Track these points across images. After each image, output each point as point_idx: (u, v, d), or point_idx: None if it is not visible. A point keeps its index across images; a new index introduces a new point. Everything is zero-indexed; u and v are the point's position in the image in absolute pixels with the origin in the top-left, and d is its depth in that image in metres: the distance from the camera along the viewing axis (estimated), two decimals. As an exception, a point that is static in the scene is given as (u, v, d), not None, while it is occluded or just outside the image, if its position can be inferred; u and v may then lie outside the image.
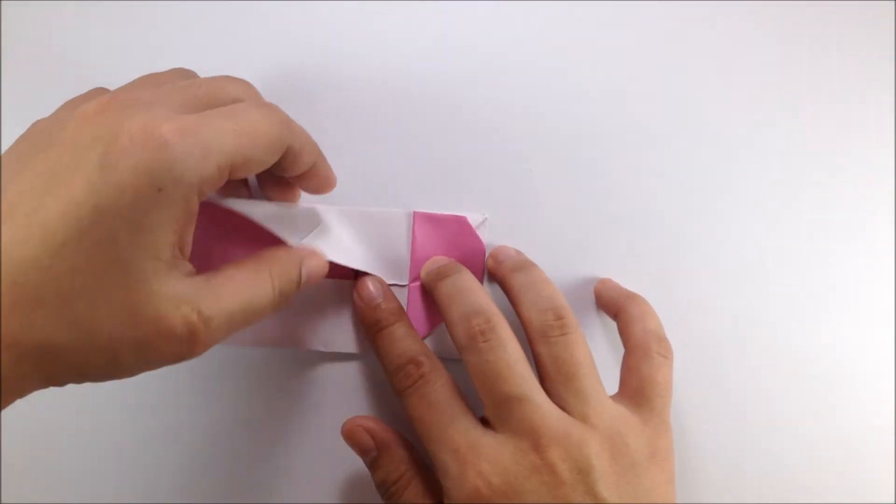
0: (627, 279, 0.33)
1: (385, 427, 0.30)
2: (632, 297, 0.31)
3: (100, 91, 0.26)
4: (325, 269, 0.29)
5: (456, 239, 0.33)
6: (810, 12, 0.34)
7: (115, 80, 0.26)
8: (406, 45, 0.34)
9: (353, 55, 0.34)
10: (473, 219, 0.33)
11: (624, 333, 0.30)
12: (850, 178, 0.33)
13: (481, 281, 0.33)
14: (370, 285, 0.31)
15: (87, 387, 0.31)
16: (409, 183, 0.33)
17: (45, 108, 0.31)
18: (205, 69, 0.28)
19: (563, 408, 0.26)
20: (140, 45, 0.26)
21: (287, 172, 0.26)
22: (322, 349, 0.33)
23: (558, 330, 0.27)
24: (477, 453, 0.25)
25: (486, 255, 0.33)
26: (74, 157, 0.20)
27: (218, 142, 0.21)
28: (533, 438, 0.25)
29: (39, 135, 0.23)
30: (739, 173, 0.33)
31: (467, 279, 0.30)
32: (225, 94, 0.24)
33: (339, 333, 0.33)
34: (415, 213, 0.33)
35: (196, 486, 0.33)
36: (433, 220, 0.33)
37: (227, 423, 0.33)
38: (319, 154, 0.27)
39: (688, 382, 0.31)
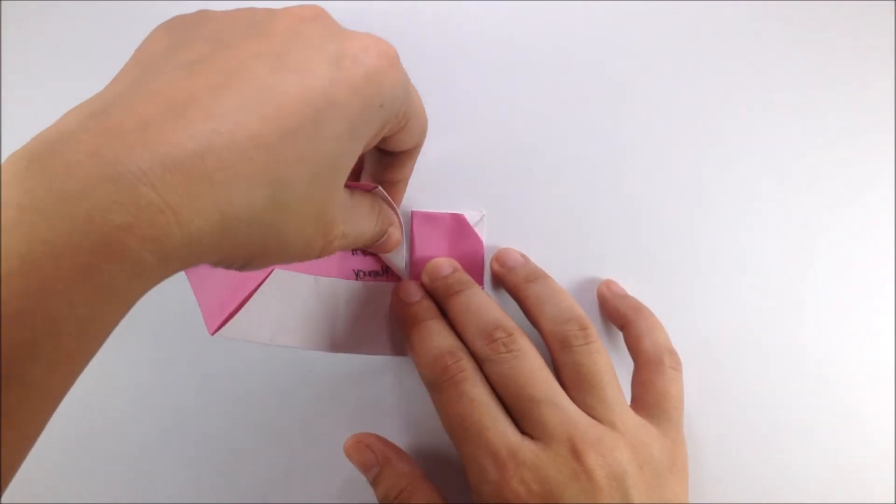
0: (627, 278, 0.33)
1: (387, 442, 0.30)
2: (639, 310, 0.31)
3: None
4: (397, 244, 0.29)
5: (454, 237, 0.33)
6: (811, 13, 0.34)
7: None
8: (403, 44, 0.32)
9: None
10: (471, 216, 0.33)
11: (634, 348, 0.30)
12: (853, 180, 0.34)
13: (482, 278, 0.33)
14: (409, 285, 0.31)
15: (87, 387, 0.31)
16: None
17: (46, 107, 0.31)
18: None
19: (589, 415, 0.27)
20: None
21: (391, 147, 0.26)
22: (362, 353, 0.32)
23: (583, 339, 0.28)
24: (518, 460, 0.25)
25: (485, 252, 0.33)
26: (303, 49, 0.19)
27: (415, 93, 0.23)
28: (569, 444, 0.25)
29: (231, 22, 0.21)
30: (741, 174, 0.34)
31: (479, 295, 0.30)
32: None
33: (374, 336, 0.32)
34: (413, 212, 0.32)
35: (201, 491, 0.33)
36: (431, 219, 0.33)
37: (241, 426, 0.33)
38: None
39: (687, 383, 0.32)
